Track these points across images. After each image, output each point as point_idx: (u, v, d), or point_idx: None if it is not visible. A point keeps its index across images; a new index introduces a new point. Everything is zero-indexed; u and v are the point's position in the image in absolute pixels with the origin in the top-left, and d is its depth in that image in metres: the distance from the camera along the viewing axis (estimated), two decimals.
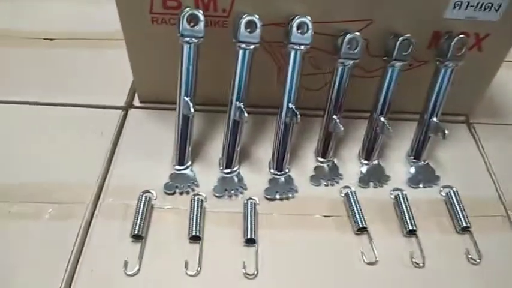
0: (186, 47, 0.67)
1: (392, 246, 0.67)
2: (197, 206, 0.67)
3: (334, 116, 0.73)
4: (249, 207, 0.68)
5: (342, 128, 0.70)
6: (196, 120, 0.80)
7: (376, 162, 0.78)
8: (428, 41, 0.73)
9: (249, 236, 0.65)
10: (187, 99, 0.69)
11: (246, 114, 0.68)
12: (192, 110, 0.68)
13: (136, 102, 0.85)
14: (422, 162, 0.78)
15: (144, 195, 0.68)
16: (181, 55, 0.68)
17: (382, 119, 0.73)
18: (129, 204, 0.69)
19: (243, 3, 0.67)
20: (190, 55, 0.67)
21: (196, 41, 0.66)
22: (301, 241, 0.67)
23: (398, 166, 0.78)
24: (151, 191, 0.70)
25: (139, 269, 0.62)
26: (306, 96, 0.74)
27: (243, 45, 0.67)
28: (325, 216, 0.70)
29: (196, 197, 0.69)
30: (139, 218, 0.65)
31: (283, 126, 0.72)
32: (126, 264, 0.62)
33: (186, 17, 0.65)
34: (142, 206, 0.66)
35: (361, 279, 0.63)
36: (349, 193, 0.70)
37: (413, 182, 0.75)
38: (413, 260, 0.65)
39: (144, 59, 0.77)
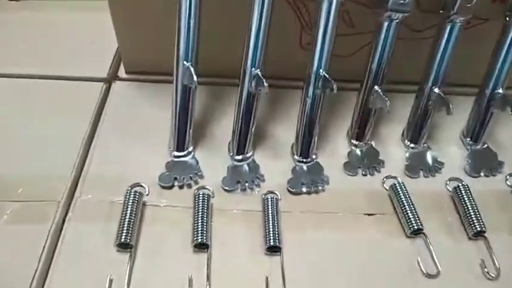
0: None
1: (456, 252, 0.52)
2: (202, 204, 0.52)
3: (375, 87, 0.57)
4: (269, 204, 0.53)
5: (388, 103, 0.54)
6: (198, 94, 0.64)
7: (424, 145, 0.62)
8: None
9: (271, 243, 0.49)
10: (187, 64, 0.53)
11: (265, 84, 0.52)
12: (195, 78, 0.51)
13: (122, 73, 0.69)
14: (481, 145, 0.63)
15: (132, 190, 0.52)
16: (179, 6, 0.51)
17: (436, 90, 0.58)
18: (113, 202, 0.53)
19: None
20: (191, 6, 0.51)
21: None
22: (337, 247, 0.52)
23: (452, 150, 0.63)
24: (142, 184, 0.54)
25: None
26: (334, 64, 0.58)
27: None
28: (366, 215, 0.55)
29: (200, 192, 0.53)
30: (126, 220, 0.49)
31: (311, 100, 0.56)
32: (110, 283, 0.46)
33: None
34: (130, 204, 0.51)
35: None
36: (397, 185, 0.55)
37: (473, 169, 0.60)
38: (485, 270, 0.50)
39: (130, 18, 0.61)
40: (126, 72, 0.68)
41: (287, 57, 0.63)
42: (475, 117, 0.62)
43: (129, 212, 0.50)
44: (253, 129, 0.58)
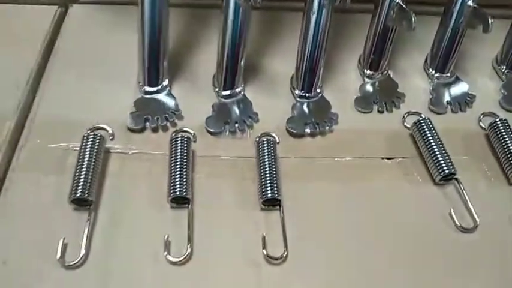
0: None
1: (496, 201, 0.42)
2: (181, 149, 0.41)
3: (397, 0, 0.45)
4: (265, 148, 0.42)
5: (414, 17, 0.43)
6: (175, 19, 0.52)
7: (451, 74, 0.51)
8: None
9: (269, 195, 0.39)
10: None
11: None
12: None
13: None
14: None
15: (92, 134, 0.41)
16: None
17: (470, 3, 0.46)
18: (68, 149, 0.42)
19: None
20: None
21: None
22: (349, 199, 0.42)
23: (484, 80, 0.52)
24: (104, 126, 0.43)
25: (86, 257, 0.36)
26: None
27: None
28: (385, 159, 0.45)
29: (179, 136, 0.42)
30: (84, 170, 0.38)
31: (317, 16, 0.44)
32: (64, 248, 0.36)
33: None
34: (89, 151, 0.40)
35: (453, 255, 0.39)
36: (422, 122, 0.45)
37: (509, 102, 0.50)
38: None
39: None
40: None
41: None
42: (510, 42, 0.51)
43: (86, 160, 0.39)
44: (243, 58, 0.46)
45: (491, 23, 0.43)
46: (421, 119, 0.45)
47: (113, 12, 0.54)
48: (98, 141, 0.40)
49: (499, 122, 0.45)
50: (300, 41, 0.47)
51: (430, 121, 0.45)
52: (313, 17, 0.44)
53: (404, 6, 0.44)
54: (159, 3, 0.43)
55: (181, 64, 0.51)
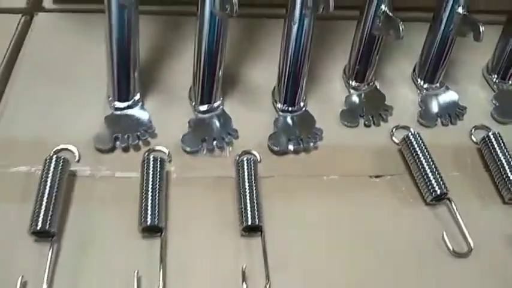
0: None
1: (491, 221, 0.40)
2: (154, 171, 0.38)
3: (382, 7, 0.43)
4: (245, 168, 0.39)
5: (402, 26, 0.40)
6: (148, 26, 0.49)
7: (440, 84, 0.49)
8: None
9: (249, 222, 0.36)
10: None
11: (235, 0, 0.36)
12: None
13: (48, 3, 0.52)
14: (511, 84, 0.50)
15: (55, 157, 0.37)
16: None
17: (461, 10, 0.44)
18: (30, 173, 0.39)
19: None
20: None
21: None
22: (336, 222, 0.39)
23: (475, 90, 0.50)
24: (70, 147, 0.40)
25: None
26: None
27: None
28: (373, 177, 0.42)
29: (151, 157, 0.38)
30: (45, 200, 0.35)
31: (298, 26, 0.41)
32: (23, 286, 0.33)
33: None
34: (51, 177, 0.36)
35: (447, 282, 0.36)
36: (410, 137, 0.42)
37: (501, 114, 0.47)
38: None
39: None
40: (54, 1, 0.52)
41: None
42: (503, 48, 0.49)
43: (48, 187, 0.36)
44: (221, 70, 0.43)
45: (483, 31, 0.40)
46: (410, 134, 0.42)
47: (80, 21, 0.50)
48: (61, 165, 0.37)
49: (491, 136, 0.43)
50: (281, 52, 0.44)
51: (419, 136, 0.42)
52: (295, 27, 0.41)
53: (390, 14, 0.42)
54: (127, 10, 0.39)
55: (154, 76, 0.47)
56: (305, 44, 0.42)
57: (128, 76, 0.42)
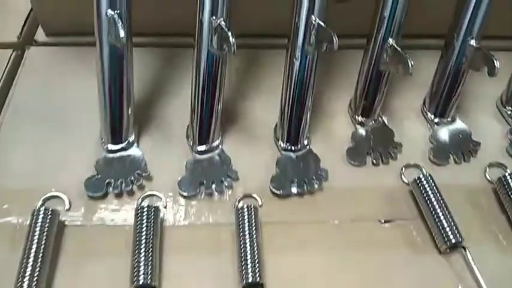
0: None
1: (511, 272, 0.37)
2: (148, 221, 0.35)
3: (390, 41, 0.40)
4: (245, 217, 0.36)
5: (411, 62, 0.37)
6: (142, 59, 0.46)
7: (451, 118, 0.46)
8: None
9: (250, 279, 0.33)
10: (112, 13, 0.35)
11: (232, 40, 0.34)
12: (122, 33, 0.34)
13: (41, 35, 0.50)
14: None
15: (42, 210, 0.35)
16: None
17: (473, 43, 0.41)
18: (17, 226, 0.37)
19: None
20: None
21: None
22: (345, 272, 0.36)
23: (488, 123, 0.47)
24: (60, 194, 0.38)
25: None
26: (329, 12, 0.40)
27: None
28: (382, 222, 0.39)
29: (145, 207, 0.36)
30: (31, 258, 0.33)
31: (301, 63, 0.39)
32: None
33: None
34: (38, 231, 0.34)
35: None
36: (422, 179, 0.39)
37: None
38: None
39: None
40: (47, 35, 0.50)
41: (264, 2, 0.46)
42: None
43: (36, 241, 0.33)
44: (220, 108, 0.41)
45: (498, 67, 0.38)
46: (421, 176, 0.39)
47: (74, 55, 0.48)
48: (49, 217, 0.35)
49: (508, 177, 0.40)
50: (282, 88, 0.42)
51: (431, 178, 0.39)
52: (297, 63, 0.39)
53: (398, 48, 0.39)
54: (115, 40, 0.37)
55: (150, 112, 0.45)
56: (308, 81, 0.40)
57: (122, 117, 0.40)
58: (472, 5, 0.40)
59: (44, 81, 0.46)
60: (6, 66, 0.47)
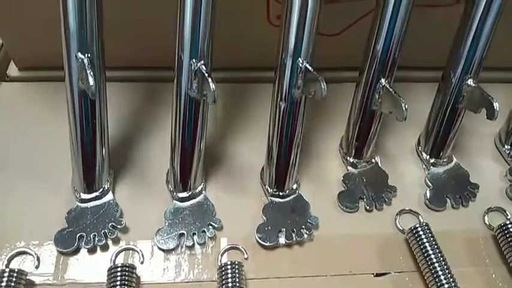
0: None
1: None
2: (122, 279, 0.32)
3: (382, 81, 0.38)
4: (229, 275, 0.34)
5: (405, 106, 0.35)
6: (116, 96, 0.44)
7: (448, 160, 0.44)
8: None
9: None
10: (82, 57, 0.32)
11: (213, 86, 0.32)
12: (92, 81, 0.31)
13: (14, 71, 0.47)
14: None
15: (7, 271, 0.32)
16: None
17: (471, 82, 0.39)
18: None
19: None
20: None
21: None
22: None
23: (486, 163, 0.45)
24: (28, 250, 0.34)
25: None
26: (317, 46, 0.38)
27: None
28: (376, 275, 0.37)
29: (118, 267, 0.33)
30: None
31: (286, 106, 0.37)
32: None
33: None
34: None
35: None
36: (418, 230, 0.37)
37: None
38: None
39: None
40: (19, 69, 0.47)
41: (250, 37, 0.44)
42: None
43: None
44: (202, 150, 0.38)
45: (497, 110, 0.36)
46: (417, 225, 0.37)
47: (48, 90, 0.45)
48: (15, 279, 0.32)
49: (509, 225, 0.37)
50: (269, 131, 0.39)
51: (427, 227, 0.37)
52: (283, 106, 0.37)
53: (391, 90, 0.37)
54: (85, 87, 0.34)
55: (127, 155, 0.42)
56: (295, 124, 0.37)
57: (95, 164, 0.37)
58: (470, 41, 0.38)
59: (15, 121, 0.43)
60: None
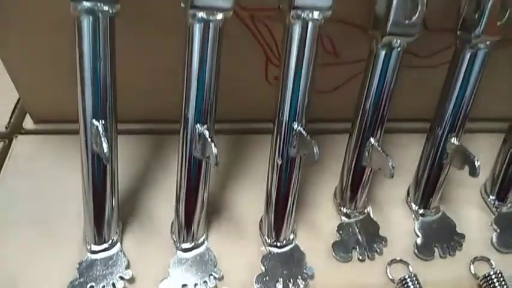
0: (86, 22, 0.33)
1: None
2: None
3: (372, 140, 0.41)
4: None
5: (392, 164, 0.38)
6: (124, 148, 0.46)
7: (436, 210, 0.46)
8: None
9: None
10: (97, 124, 0.35)
11: (215, 151, 0.35)
12: (106, 148, 0.34)
13: (29, 123, 0.50)
14: (511, 206, 0.47)
15: None
16: (78, 41, 0.34)
17: (455, 141, 0.42)
18: None
19: None
20: (97, 38, 0.34)
21: (106, 8, 0.33)
22: None
23: (473, 214, 0.47)
24: None
25: None
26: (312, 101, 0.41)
27: (201, 14, 0.34)
28: None
29: None
30: None
31: (284, 163, 0.40)
32: None
33: None
34: None
35: None
36: (408, 281, 0.39)
37: (502, 243, 0.45)
38: None
39: (30, 61, 0.44)
40: (35, 122, 0.50)
41: (250, 94, 0.48)
42: (502, 166, 0.47)
43: None
44: (204, 202, 0.41)
45: (478, 170, 0.39)
46: (407, 277, 0.39)
47: (62, 144, 0.48)
48: None
49: (493, 275, 0.40)
50: (267, 184, 0.42)
51: (416, 278, 0.39)
52: (279, 163, 0.40)
53: (379, 149, 0.40)
54: (100, 151, 0.37)
55: (135, 206, 0.45)
56: (290, 180, 0.40)
57: (105, 217, 0.40)
58: (453, 102, 0.41)
59: (29, 174, 0.46)
60: None
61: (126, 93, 0.39)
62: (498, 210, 0.47)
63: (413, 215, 0.46)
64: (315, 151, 0.35)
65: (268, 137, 0.41)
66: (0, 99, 0.51)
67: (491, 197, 0.48)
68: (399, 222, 0.46)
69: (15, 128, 0.50)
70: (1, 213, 0.43)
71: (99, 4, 0.32)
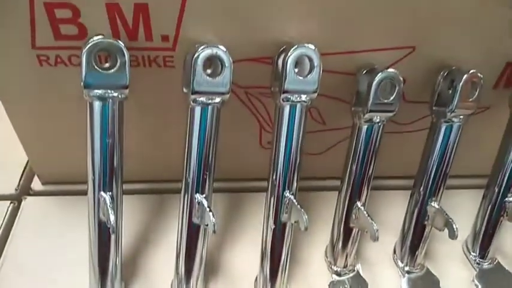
0: (97, 106, 0.37)
1: None
2: None
3: (358, 204, 0.44)
4: None
5: (376, 228, 0.41)
6: (133, 205, 0.50)
7: (420, 267, 0.49)
8: (496, 78, 0.47)
9: None
10: (104, 196, 0.39)
11: (213, 220, 0.38)
12: (112, 218, 0.37)
13: (37, 185, 0.54)
14: (490, 262, 0.50)
15: None
16: (90, 122, 0.38)
17: (435, 205, 0.45)
18: None
19: (196, 23, 0.38)
20: (107, 121, 0.38)
21: (115, 94, 0.37)
22: None
23: (455, 270, 0.50)
24: None
25: None
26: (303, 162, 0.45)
27: (202, 99, 0.38)
28: None
29: None
30: None
31: (277, 228, 0.43)
32: None
33: (95, 52, 0.35)
34: None
35: None
36: None
37: None
38: None
39: (38, 126, 0.47)
40: (43, 183, 0.54)
41: (245, 157, 0.51)
42: (481, 224, 0.50)
43: None
44: (203, 264, 0.44)
45: (456, 233, 0.42)
46: None
47: (70, 204, 0.51)
48: None
49: None
50: (261, 246, 0.45)
51: None
52: (272, 227, 0.43)
53: (365, 213, 0.43)
54: (107, 221, 0.40)
55: (136, 265, 0.47)
56: (281, 244, 0.43)
57: (109, 276, 0.42)
58: (431, 170, 0.45)
59: (38, 235, 0.49)
60: (3, 220, 0.49)
61: (128, 157, 0.42)
62: (479, 266, 0.50)
63: (400, 272, 0.49)
64: (304, 219, 0.38)
65: (261, 195, 0.44)
66: (10, 160, 0.54)
67: (472, 253, 0.50)
68: (387, 279, 0.48)
69: (24, 190, 0.53)
70: (10, 276, 0.45)
71: (109, 91, 0.36)
